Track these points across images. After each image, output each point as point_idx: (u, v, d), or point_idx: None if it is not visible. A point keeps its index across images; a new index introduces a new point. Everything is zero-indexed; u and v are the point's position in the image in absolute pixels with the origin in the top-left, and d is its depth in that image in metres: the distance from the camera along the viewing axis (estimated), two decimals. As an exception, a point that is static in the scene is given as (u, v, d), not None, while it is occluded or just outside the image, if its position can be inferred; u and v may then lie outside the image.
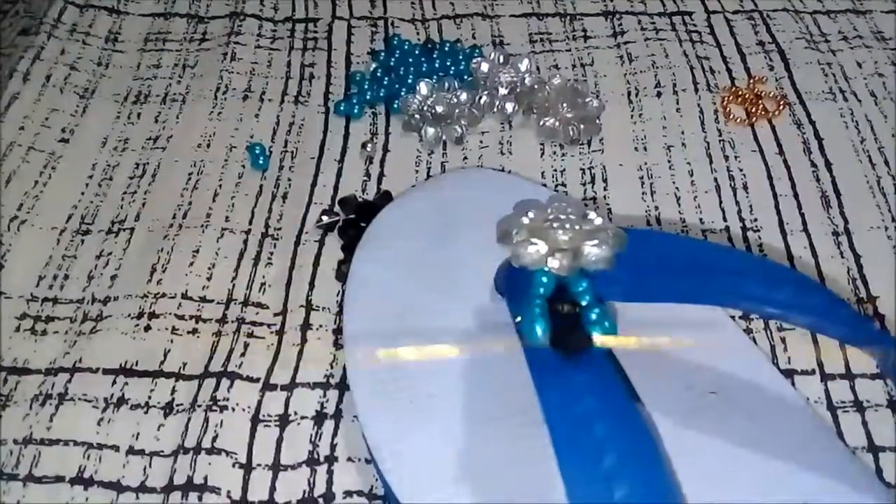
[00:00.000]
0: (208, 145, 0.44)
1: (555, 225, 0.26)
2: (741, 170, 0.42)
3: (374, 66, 0.48)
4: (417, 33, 0.51)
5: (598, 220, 0.26)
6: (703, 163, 0.42)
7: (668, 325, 0.30)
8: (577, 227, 0.25)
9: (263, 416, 0.32)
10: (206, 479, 0.30)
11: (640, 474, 0.19)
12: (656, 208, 0.40)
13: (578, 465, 0.20)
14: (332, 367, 0.34)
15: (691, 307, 0.29)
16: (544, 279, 0.24)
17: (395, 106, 0.45)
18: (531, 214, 0.27)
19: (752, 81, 0.47)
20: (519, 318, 0.23)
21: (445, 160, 0.43)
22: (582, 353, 0.21)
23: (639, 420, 0.20)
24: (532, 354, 0.23)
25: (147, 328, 0.35)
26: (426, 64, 0.48)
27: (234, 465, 0.31)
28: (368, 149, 0.43)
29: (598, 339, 0.21)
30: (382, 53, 0.49)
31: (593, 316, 0.22)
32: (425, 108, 0.44)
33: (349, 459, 0.31)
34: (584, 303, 0.24)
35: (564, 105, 0.44)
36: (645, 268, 0.27)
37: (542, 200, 0.32)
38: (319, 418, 0.32)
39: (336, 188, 0.42)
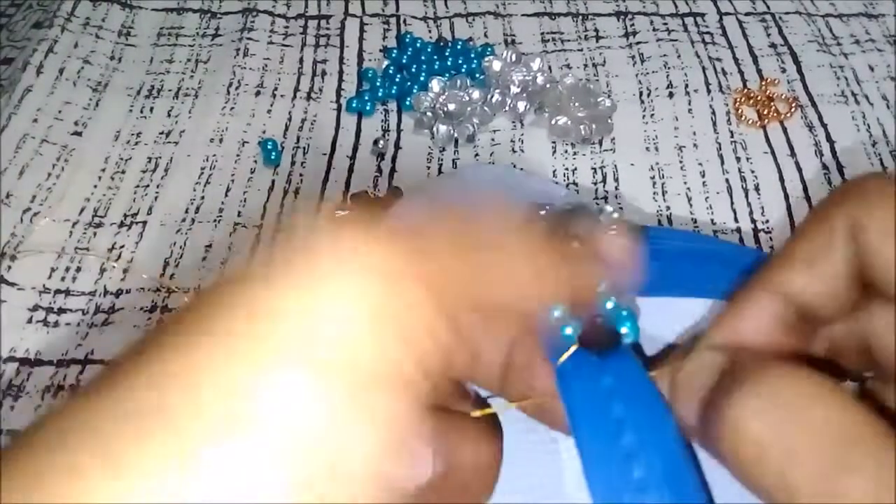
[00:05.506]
0: (221, 140, 0.44)
1: None
2: (753, 171, 0.42)
3: (386, 63, 0.48)
4: (430, 31, 0.51)
5: (615, 214, 0.26)
6: (715, 164, 0.43)
7: (682, 319, 0.29)
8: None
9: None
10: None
11: (660, 454, 0.19)
12: (667, 208, 0.40)
13: (598, 442, 0.20)
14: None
15: (705, 301, 0.29)
16: None
17: (407, 103, 0.45)
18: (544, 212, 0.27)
19: (763, 83, 0.47)
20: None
21: (457, 158, 0.43)
22: (610, 351, 0.21)
23: (659, 401, 0.20)
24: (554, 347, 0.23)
25: (159, 321, 0.36)
26: (438, 62, 0.48)
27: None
28: (380, 145, 0.43)
29: (625, 332, 0.22)
30: (395, 51, 0.49)
31: (610, 304, 0.22)
32: (437, 105, 0.44)
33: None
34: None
35: (576, 104, 0.44)
36: (659, 262, 0.27)
37: (553, 197, 0.32)
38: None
39: (347, 184, 0.42)
